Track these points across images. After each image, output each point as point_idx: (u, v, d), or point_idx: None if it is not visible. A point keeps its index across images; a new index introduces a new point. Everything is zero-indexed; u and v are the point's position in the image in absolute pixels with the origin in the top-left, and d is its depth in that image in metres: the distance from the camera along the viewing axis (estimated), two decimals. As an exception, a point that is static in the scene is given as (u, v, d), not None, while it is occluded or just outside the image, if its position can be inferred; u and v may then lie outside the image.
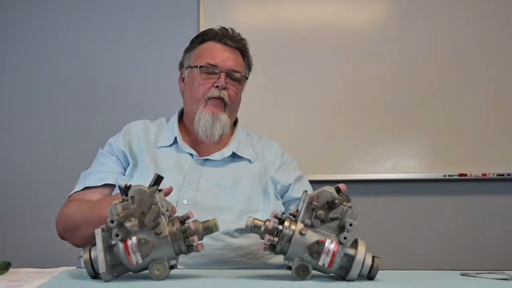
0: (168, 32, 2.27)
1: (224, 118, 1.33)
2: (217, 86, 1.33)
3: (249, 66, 1.45)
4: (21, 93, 2.29)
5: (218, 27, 1.41)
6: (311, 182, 1.43)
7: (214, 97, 1.33)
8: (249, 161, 1.37)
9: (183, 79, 1.44)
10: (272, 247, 0.80)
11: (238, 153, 1.36)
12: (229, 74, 1.35)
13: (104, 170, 1.32)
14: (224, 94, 1.33)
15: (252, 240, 1.16)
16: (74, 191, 1.32)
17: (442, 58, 2.24)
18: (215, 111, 1.33)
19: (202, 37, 1.42)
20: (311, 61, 2.25)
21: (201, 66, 1.35)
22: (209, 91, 1.33)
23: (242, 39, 1.42)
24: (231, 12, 2.28)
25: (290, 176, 1.38)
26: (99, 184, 1.30)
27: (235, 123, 1.47)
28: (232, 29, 1.42)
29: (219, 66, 1.34)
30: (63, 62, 2.30)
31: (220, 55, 1.36)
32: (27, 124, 2.28)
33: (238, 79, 1.37)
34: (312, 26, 2.26)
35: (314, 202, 0.79)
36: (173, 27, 2.27)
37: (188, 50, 1.44)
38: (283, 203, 1.36)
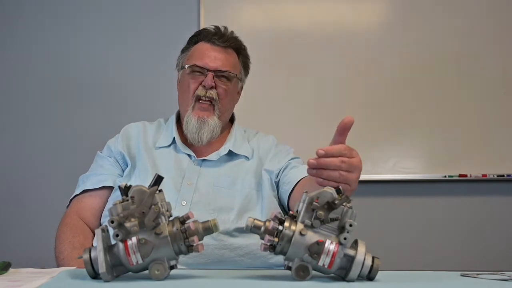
0: (168, 32, 2.27)
1: (212, 121, 1.33)
2: (204, 86, 1.32)
3: (245, 65, 1.44)
4: (22, 93, 2.29)
5: (213, 27, 1.41)
6: (311, 182, 1.42)
7: (202, 98, 1.32)
8: (246, 158, 1.36)
9: (179, 81, 1.44)
10: (272, 248, 0.80)
11: (235, 151, 1.36)
12: (217, 74, 1.34)
13: (102, 173, 1.33)
14: (211, 93, 1.32)
15: (252, 239, 1.16)
16: (73, 195, 1.33)
17: (442, 58, 2.24)
18: (202, 115, 1.32)
19: (196, 38, 1.42)
20: (311, 61, 2.25)
21: (189, 67, 1.36)
22: (197, 90, 1.33)
23: (234, 37, 1.41)
24: (231, 12, 2.28)
25: (283, 160, 1.36)
26: (97, 187, 1.30)
27: (232, 121, 1.47)
28: (225, 28, 1.41)
29: (205, 67, 1.34)
30: (62, 63, 2.30)
31: (208, 55, 1.35)
32: (28, 124, 2.28)
33: (228, 77, 1.36)
34: (312, 26, 2.27)
35: (314, 203, 0.79)
36: (173, 27, 2.27)
37: (183, 50, 1.44)
38: (282, 183, 1.33)
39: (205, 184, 1.28)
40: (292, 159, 1.37)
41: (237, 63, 1.41)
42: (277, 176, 1.34)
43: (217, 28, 1.40)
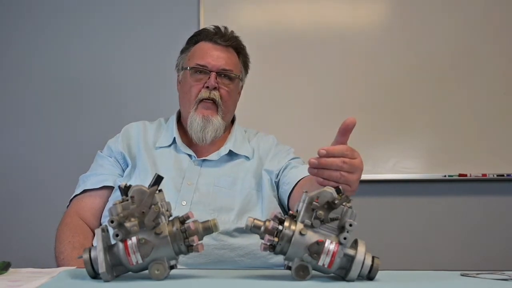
0: (168, 32, 2.27)
1: (216, 120, 1.32)
2: (207, 87, 1.32)
3: (245, 65, 1.44)
4: (22, 93, 2.29)
5: (213, 27, 1.41)
6: (311, 182, 1.42)
7: (205, 99, 1.32)
8: (247, 158, 1.36)
9: (179, 81, 1.44)
10: (272, 248, 0.80)
11: (235, 151, 1.36)
12: (220, 74, 1.34)
13: (102, 173, 1.33)
14: (215, 94, 1.32)
15: (252, 239, 1.16)
16: (73, 194, 1.33)
17: (442, 58, 2.24)
18: (206, 114, 1.32)
19: (196, 38, 1.41)
20: (311, 61, 2.25)
21: (191, 68, 1.35)
22: (200, 92, 1.33)
23: (235, 37, 1.41)
24: (231, 12, 2.28)
25: (283, 160, 1.36)
26: (97, 187, 1.30)
27: (232, 121, 1.47)
28: (225, 28, 1.40)
29: (208, 66, 1.34)
30: (62, 63, 2.30)
31: (211, 55, 1.35)
32: (28, 124, 2.28)
33: (230, 78, 1.36)
34: (312, 26, 2.27)
35: (314, 203, 0.79)
36: (173, 27, 2.27)
37: (182, 51, 1.44)
38: (282, 183, 1.33)
39: (205, 184, 1.28)
40: (292, 159, 1.37)
41: (238, 63, 1.41)
42: (277, 176, 1.34)
43: (217, 28, 1.40)
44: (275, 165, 1.35)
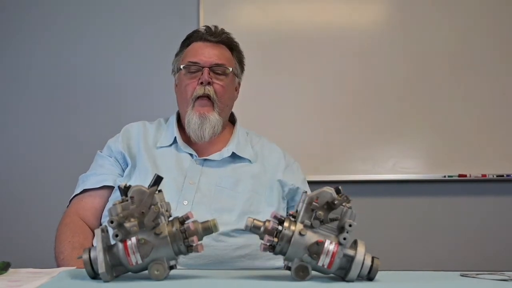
0: (167, 32, 2.27)
1: (213, 117, 1.33)
2: (201, 83, 1.33)
3: (240, 61, 1.45)
4: (22, 93, 2.29)
5: (204, 27, 1.43)
6: (311, 182, 1.43)
7: (200, 96, 1.33)
8: (249, 161, 1.36)
9: (176, 85, 1.45)
10: (271, 248, 0.80)
11: (238, 154, 1.35)
12: (213, 69, 1.35)
13: (102, 172, 1.33)
14: (209, 90, 1.33)
15: (252, 240, 1.16)
16: (73, 194, 1.33)
17: (441, 58, 2.24)
18: (202, 111, 1.33)
19: (189, 40, 1.43)
20: (311, 61, 2.25)
21: (184, 66, 1.36)
22: (195, 90, 1.33)
23: (226, 33, 1.42)
24: (231, 12, 2.28)
25: (297, 177, 1.39)
26: (97, 186, 1.30)
27: (234, 122, 1.47)
28: (215, 26, 1.42)
29: (200, 62, 1.35)
30: (62, 64, 2.29)
31: (202, 52, 1.37)
32: (27, 124, 2.28)
33: (224, 73, 1.37)
34: (313, 26, 2.26)
35: (314, 203, 0.79)
36: (173, 28, 2.27)
37: (176, 54, 1.45)
38: (292, 206, 1.36)
39: (207, 183, 1.28)
40: (304, 179, 1.41)
41: (232, 58, 1.42)
42: (296, 193, 1.36)
43: (207, 27, 1.42)
44: (289, 179, 1.36)
